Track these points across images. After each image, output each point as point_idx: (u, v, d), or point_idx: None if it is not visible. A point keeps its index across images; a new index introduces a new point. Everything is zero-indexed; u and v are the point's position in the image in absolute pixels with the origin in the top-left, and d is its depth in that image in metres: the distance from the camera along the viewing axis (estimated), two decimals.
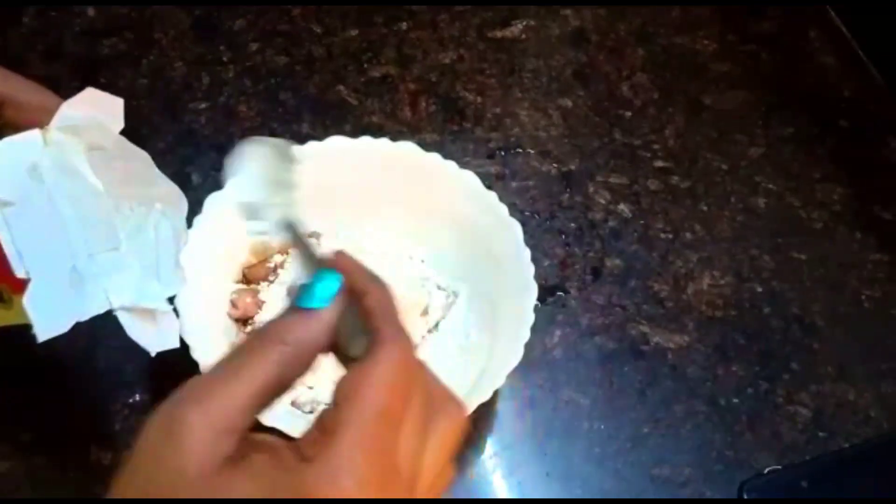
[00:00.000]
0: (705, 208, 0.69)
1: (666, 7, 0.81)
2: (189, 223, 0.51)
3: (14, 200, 0.36)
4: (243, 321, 0.56)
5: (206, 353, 0.49)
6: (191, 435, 0.28)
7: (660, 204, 0.69)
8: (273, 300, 0.57)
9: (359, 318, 0.31)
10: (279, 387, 0.30)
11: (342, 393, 0.30)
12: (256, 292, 0.57)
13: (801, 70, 0.79)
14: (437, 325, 0.58)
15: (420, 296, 0.58)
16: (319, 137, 0.59)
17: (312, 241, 0.34)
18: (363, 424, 0.29)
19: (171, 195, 0.43)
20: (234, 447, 0.28)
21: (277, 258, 0.58)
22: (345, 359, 0.31)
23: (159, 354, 0.54)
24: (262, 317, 0.56)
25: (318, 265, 0.32)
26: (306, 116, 0.71)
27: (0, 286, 0.40)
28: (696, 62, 0.78)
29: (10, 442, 0.54)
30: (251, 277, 0.58)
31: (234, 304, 0.56)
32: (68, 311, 0.38)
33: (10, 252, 0.36)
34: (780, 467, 0.57)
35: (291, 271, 0.58)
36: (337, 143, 0.59)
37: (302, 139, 0.58)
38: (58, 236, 0.38)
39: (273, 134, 0.69)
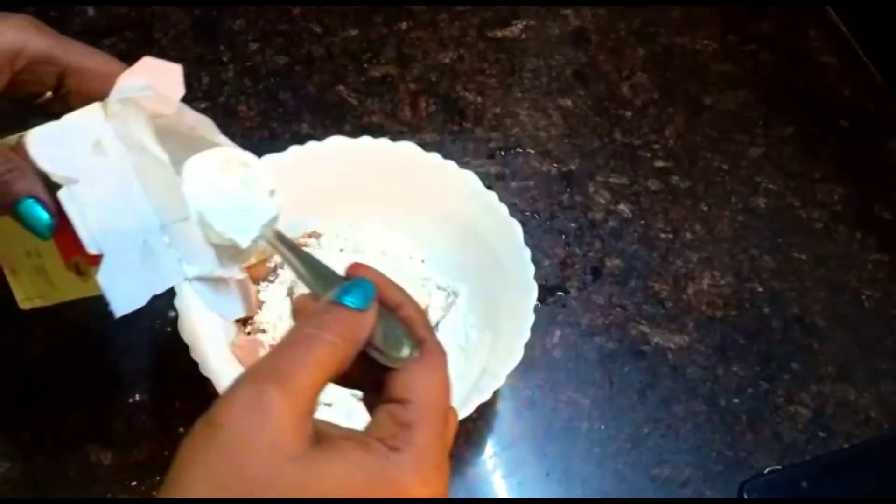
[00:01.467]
0: (705, 208, 0.69)
1: (666, 7, 0.81)
2: None
3: (79, 177, 0.36)
4: (243, 321, 0.56)
5: (206, 353, 0.49)
6: (280, 415, 0.29)
7: (660, 204, 0.69)
8: (273, 300, 0.57)
9: (396, 323, 0.34)
10: (331, 379, 0.32)
11: (409, 391, 0.32)
12: (257, 292, 0.57)
13: (801, 70, 0.79)
14: (437, 325, 0.58)
15: (420, 296, 0.58)
16: (319, 137, 0.59)
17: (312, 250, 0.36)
18: (434, 422, 0.32)
19: (249, 163, 0.42)
20: (312, 430, 0.30)
21: (277, 258, 0.58)
22: (380, 356, 0.34)
23: (159, 355, 0.55)
24: (262, 316, 0.56)
25: (325, 272, 0.36)
26: (306, 116, 0.71)
27: (76, 259, 0.40)
28: (696, 62, 0.78)
29: (10, 442, 0.54)
30: (251, 277, 0.58)
31: None
32: (143, 285, 0.37)
33: (80, 229, 0.36)
34: (780, 467, 0.57)
35: (291, 272, 0.57)
36: (337, 143, 0.59)
37: (302, 139, 0.58)
38: (126, 210, 0.37)
39: (273, 134, 0.69)
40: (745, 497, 0.56)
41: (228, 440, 0.29)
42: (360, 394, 0.56)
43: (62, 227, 0.37)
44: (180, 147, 0.40)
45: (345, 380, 0.34)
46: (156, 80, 0.39)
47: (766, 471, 0.57)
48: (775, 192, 0.71)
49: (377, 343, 0.33)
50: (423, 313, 0.36)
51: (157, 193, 0.38)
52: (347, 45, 0.76)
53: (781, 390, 0.61)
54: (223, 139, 0.42)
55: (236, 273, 0.40)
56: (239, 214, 0.38)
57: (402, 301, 0.35)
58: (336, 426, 0.33)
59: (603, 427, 0.58)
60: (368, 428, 0.32)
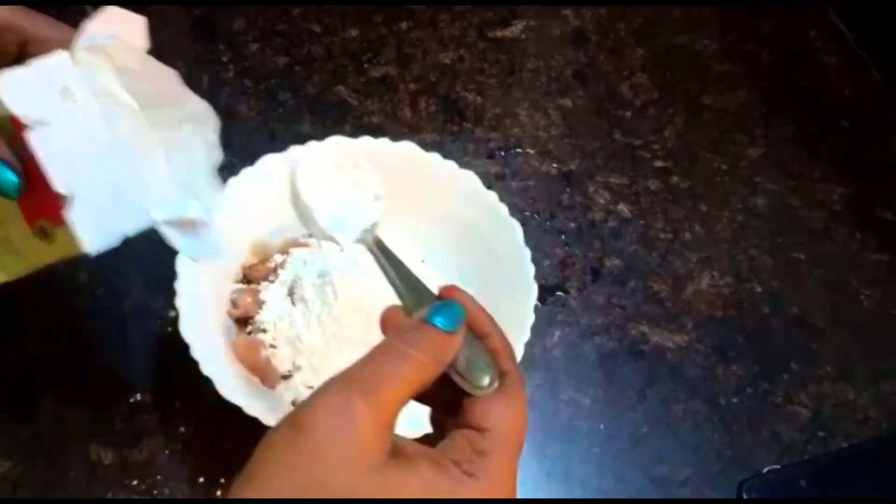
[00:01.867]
0: (705, 208, 0.69)
1: (666, 7, 0.81)
2: None
3: (50, 121, 0.36)
4: (243, 321, 0.56)
5: (206, 353, 0.49)
6: (364, 425, 0.30)
7: (660, 204, 0.69)
8: (273, 300, 0.57)
9: (481, 351, 0.35)
10: (415, 394, 0.33)
11: (489, 420, 0.33)
12: (256, 292, 0.57)
13: (801, 70, 0.79)
14: None
15: None
16: (319, 137, 0.59)
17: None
18: (510, 453, 0.33)
19: (202, 112, 0.43)
20: (391, 445, 0.31)
21: (277, 258, 0.58)
22: (461, 380, 0.34)
23: (159, 355, 0.54)
24: (262, 316, 0.56)
25: (424, 292, 0.37)
26: (306, 116, 0.71)
27: (41, 222, 0.40)
28: (696, 62, 0.78)
29: (10, 442, 0.54)
30: (251, 277, 0.58)
31: (234, 304, 0.56)
32: (114, 225, 0.38)
33: (50, 169, 0.36)
34: (779, 467, 0.57)
35: (291, 271, 0.58)
36: (337, 143, 0.59)
37: (302, 139, 0.58)
38: (96, 156, 0.38)
39: (273, 134, 0.69)
40: (745, 496, 0.56)
41: (310, 443, 0.29)
42: None
43: (29, 189, 0.37)
44: (147, 98, 0.40)
45: (421, 396, 0.34)
46: (121, 29, 0.40)
47: (765, 470, 0.57)
48: (775, 192, 0.71)
49: (460, 368, 0.34)
50: (509, 346, 0.36)
51: (126, 141, 0.38)
52: (347, 45, 0.76)
53: (781, 390, 0.61)
54: (188, 91, 0.42)
55: (204, 216, 0.40)
56: (344, 214, 0.39)
57: (490, 331, 0.36)
58: (412, 442, 0.33)
59: (602, 427, 0.58)
60: (444, 449, 0.33)
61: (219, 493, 0.53)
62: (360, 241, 0.39)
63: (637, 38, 0.79)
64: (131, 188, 0.38)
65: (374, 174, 0.41)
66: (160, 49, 0.74)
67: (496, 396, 0.34)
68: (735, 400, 0.60)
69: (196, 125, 0.42)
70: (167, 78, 0.42)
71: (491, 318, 0.36)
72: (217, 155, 0.43)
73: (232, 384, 0.50)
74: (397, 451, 0.31)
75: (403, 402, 0.32)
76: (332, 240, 0.38)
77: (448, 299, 0.36)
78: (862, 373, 0.62)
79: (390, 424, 0.31)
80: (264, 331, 0.56)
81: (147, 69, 0.41)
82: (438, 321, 0.34)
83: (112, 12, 0.39)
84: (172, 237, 0.40)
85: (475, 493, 0.31)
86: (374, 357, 0.32)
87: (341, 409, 0.30)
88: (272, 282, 0.58)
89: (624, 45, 0.78)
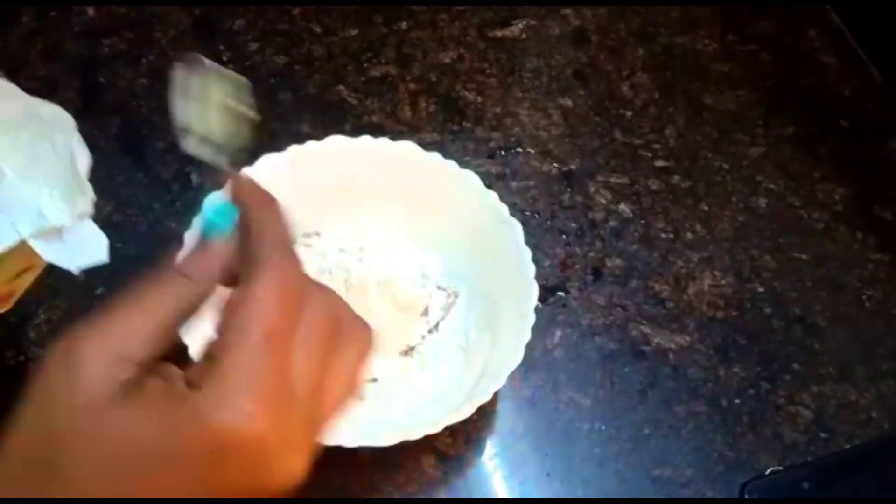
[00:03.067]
0: (706, 208, 0.69)
1: (666, 7, 0.81)
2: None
3: None
4: None
5: None
6: (85, 364, 0.28)
7: (660, 204, 0.69)
8: None
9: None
10: (179, 317, 0.30)
11: (224, 320, 0.29)
12: None
13: (801, 70, 0.79)
14: (437, 325, 0.58)
15: (420, 296, 0.58)
16: (319, 137, 0.58)
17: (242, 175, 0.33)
18: (249, 348, 0.28)
19: (56, 116, 0.42)
20: (133, 374, 0.28)
21: None
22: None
23: None
24: None
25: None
26: (306, 116, 0.71)
27: None
28: (696, 62, 0.78)
29: None
30: None
31: None
32: None
33: None
34: (781, 468, 0.57)
35: None
36: (337, 142, 0.59)
37: (302, 139, 0.58)
38: None
39: (273, 134, 0.69)
40: (747, 497, 0.56)
41: (40, 390, 0.28)
42: (361, 393, 0.56)
43: None
44: None
45: None
46: None
47: (767, 471, 0.57)
48: (776, 192, 0.71)
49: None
50: (273, 222, 0.32)
51: None
52: (347, 44, 0.75)
53: (782, 391, 0.61)
54: (37, 100, 0.41)
55: (67, 221, 0.40)
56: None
57: (254, 216, 0.32)
58: (177, 370, 0.30)
59: (604, 427, 0.58)
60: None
61: None
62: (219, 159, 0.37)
63: (637, 38, 0.79)
64: None
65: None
66: (160, 49, 0.75)
67: (238, 289, 0.30)
68: (737, 401, 0.60)
69: (50, 130, 0.41)
70: (9, 93, 0.41)
71: (264, 197, 0.33)
72: (85, 155, 0.42)
73: None
74: (140, 383, 0.28)
75: (149, 331, 0.29)
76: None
77: (222, 203, 0.32)
78: (864, 373, 0.62)
79: (127, 355, 0.28)
80: None
81: None
82: (203, 234, 0.31)
83: None
84: (42, 250, 0.39)
85: (200, 408, 0.27)
86: (121, 297, 0.30)
87: (62, 351, 0.28)
88: None
89: (624, 44, 0.78)
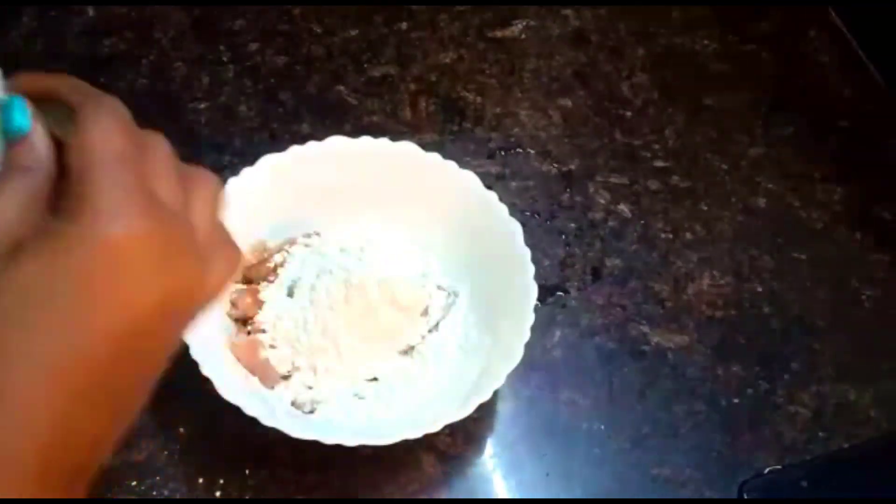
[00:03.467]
0: (705, 208, 0.69)
1: (666, 7, 0.81)
2: None
3: None
4: (243, 321, 0.56)
5: (206, 353, 0.49)
6: None
7: (660, 204, 0.69)
8: (273, 300, 0.57)
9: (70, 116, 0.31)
10: (34, 202, 0.29)
11: (71, 157, 0.29)
12: (256, 292, 0.57)
13: (801, 70, 0.79)
14: (437, 325, 0.58)
15: (420, 296, 0.58)
16: (319, 137, 0.59)
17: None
18: (105, 170, 0.28)
19: None
20: (8, 248, 0.28)
21: (277, 258, 0.58)
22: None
23: None
24: (262, 317, 0.56)
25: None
26: (306, 116, 0.71)
27: None
28: (696, 62, 0.78)
29: None
30: (251, 277, 0.58)
31: (234, 304, 0.56)
32: None
33: None
34: (780, 467, 0.57)
35: (291, 271, 0.57)
36: (337, 143, 0.59)
37: (302, 139, 0.58)
38: None
39: (273, 134, 0.69)
40: (745, 497, 0.56)
41: None
42: (361, 392, 0.56)
43: None
44: None
45: None
46: None
47: (766, 471, 0.57)
48: (775, 192, 0.71)
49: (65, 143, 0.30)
50: (77, 82, 0.32)
51: None
52: (347, 45, 0.76)
53: (781, 390, 0.61)
54: None
55: None
56: None
57: (54, 86, 0.32)
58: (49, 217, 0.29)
59: (603, 427, 0.58)
60: None
61: (218, 493, 0.53)
62: None
63: (637, 38, 0.79)
64: None
65: None
66: (160, 49, 0.75)
67: (74, 133, 0.29)
68: (736, 400, 0.60)
69: None
70: None
71: (48, 76, 0.33)
72: None
73: (231, 385, 0.50)
74: (18, 248, 0.28)
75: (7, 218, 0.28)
76: None
77: (9, 98, 0.31)
78: (862, 373, 0.62)
79: None
80: (264, 331, 0.56)
81: None
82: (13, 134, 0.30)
83: None
84: None
85: (86, 229, 0.27)
86: None
87: None
88: (272, 282, 0.58)
89: (624, 45, 0.78)
